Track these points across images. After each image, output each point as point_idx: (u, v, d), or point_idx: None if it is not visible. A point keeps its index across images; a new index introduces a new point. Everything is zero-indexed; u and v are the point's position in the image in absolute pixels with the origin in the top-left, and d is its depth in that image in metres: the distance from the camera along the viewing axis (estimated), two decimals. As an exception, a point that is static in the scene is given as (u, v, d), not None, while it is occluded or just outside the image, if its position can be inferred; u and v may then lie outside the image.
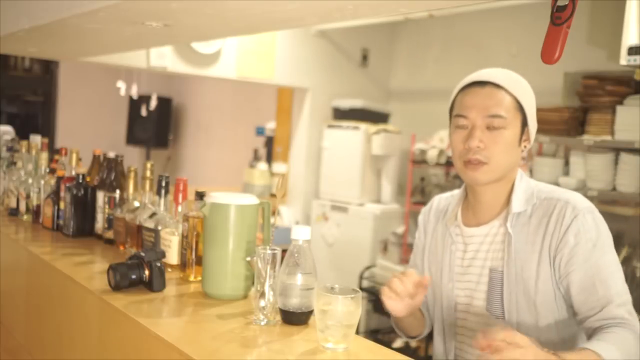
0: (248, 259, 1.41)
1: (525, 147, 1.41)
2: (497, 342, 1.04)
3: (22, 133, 3.22)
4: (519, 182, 1.42)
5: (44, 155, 2.43)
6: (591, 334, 1.27)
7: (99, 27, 2.18)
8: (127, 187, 1.93)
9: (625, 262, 3.05)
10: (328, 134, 4.72)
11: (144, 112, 6.47)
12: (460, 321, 1.47)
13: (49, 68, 6.93)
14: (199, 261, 1.56)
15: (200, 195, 1.59)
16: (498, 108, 1.35)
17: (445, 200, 1.60)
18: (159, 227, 1.71)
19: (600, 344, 1.19)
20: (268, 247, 1.28)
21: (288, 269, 1.26)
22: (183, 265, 1.62)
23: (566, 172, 3.49)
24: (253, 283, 1.34)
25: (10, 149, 2.77)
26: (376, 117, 4.74)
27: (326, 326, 1.15)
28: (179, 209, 1.70)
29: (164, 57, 4.09)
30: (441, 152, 4.11)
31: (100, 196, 2.03)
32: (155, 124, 6.82)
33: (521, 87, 1.39)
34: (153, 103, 6.17)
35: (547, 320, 1.35)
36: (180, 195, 1.71)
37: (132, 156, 7.08)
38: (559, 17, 1.20)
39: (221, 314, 1.35)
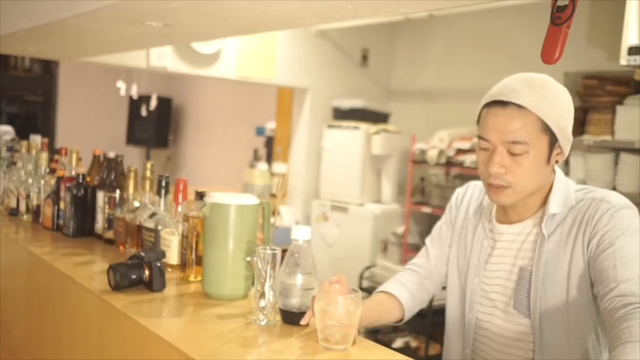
0: (248, 259, 1.41)
1: (557, 161, 1.37)
2: None
3: (22, 133, 3.22)
4: (558, 183, 1.39)
5: (44, 155, 2.43)
6: (612, 324, 1.13)
7: (99, 27, 2.18)
8: (127, 187, 1.93)
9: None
10: (328, 134, 4.72)
11: (144, 112, 6.48)
12: (484, 316, 1.45)
13: (49, 68, 6.93)
14: (199, 261, 1.56)
15: (200, 195, 1.59)
16: (519, 133, 1.29)
17: (480, 190, 1.57)
18: (159, 227, 1.71)
19: (626, 347, 1.03)
20: (268, 247, 1.28)
21: (288, 269, 1.26)
22: (183, 265, 1.62)
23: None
24: (253, 283, 1.34)
25: (10, 149, 2.77)
26: (376, 117, 4.74)
27: (326, 326, 1.15)
28: (179, 209, 1.70)
29: (164, 57, 4.09)
30: (441, 152, 4.10)
31: (100, 196, 2.03)
32: (155, 124, 6.82)
33: (547, 102, 1.31)
34: (153, 103, 6.17)
35: (578, 322, 1.32)
36: (180, 195, 1.71)
37: (132, 156, 7.08)
38: (559, 17, 1.19)
39: (221, 314, 1.35)
